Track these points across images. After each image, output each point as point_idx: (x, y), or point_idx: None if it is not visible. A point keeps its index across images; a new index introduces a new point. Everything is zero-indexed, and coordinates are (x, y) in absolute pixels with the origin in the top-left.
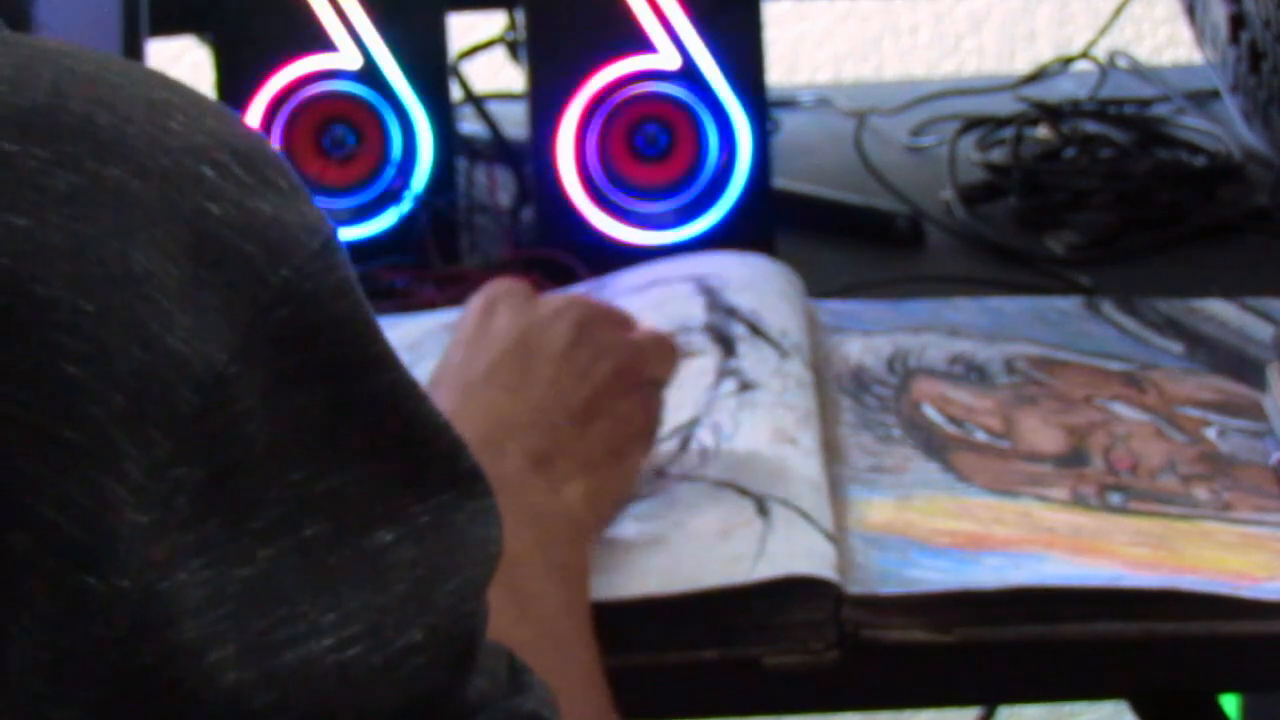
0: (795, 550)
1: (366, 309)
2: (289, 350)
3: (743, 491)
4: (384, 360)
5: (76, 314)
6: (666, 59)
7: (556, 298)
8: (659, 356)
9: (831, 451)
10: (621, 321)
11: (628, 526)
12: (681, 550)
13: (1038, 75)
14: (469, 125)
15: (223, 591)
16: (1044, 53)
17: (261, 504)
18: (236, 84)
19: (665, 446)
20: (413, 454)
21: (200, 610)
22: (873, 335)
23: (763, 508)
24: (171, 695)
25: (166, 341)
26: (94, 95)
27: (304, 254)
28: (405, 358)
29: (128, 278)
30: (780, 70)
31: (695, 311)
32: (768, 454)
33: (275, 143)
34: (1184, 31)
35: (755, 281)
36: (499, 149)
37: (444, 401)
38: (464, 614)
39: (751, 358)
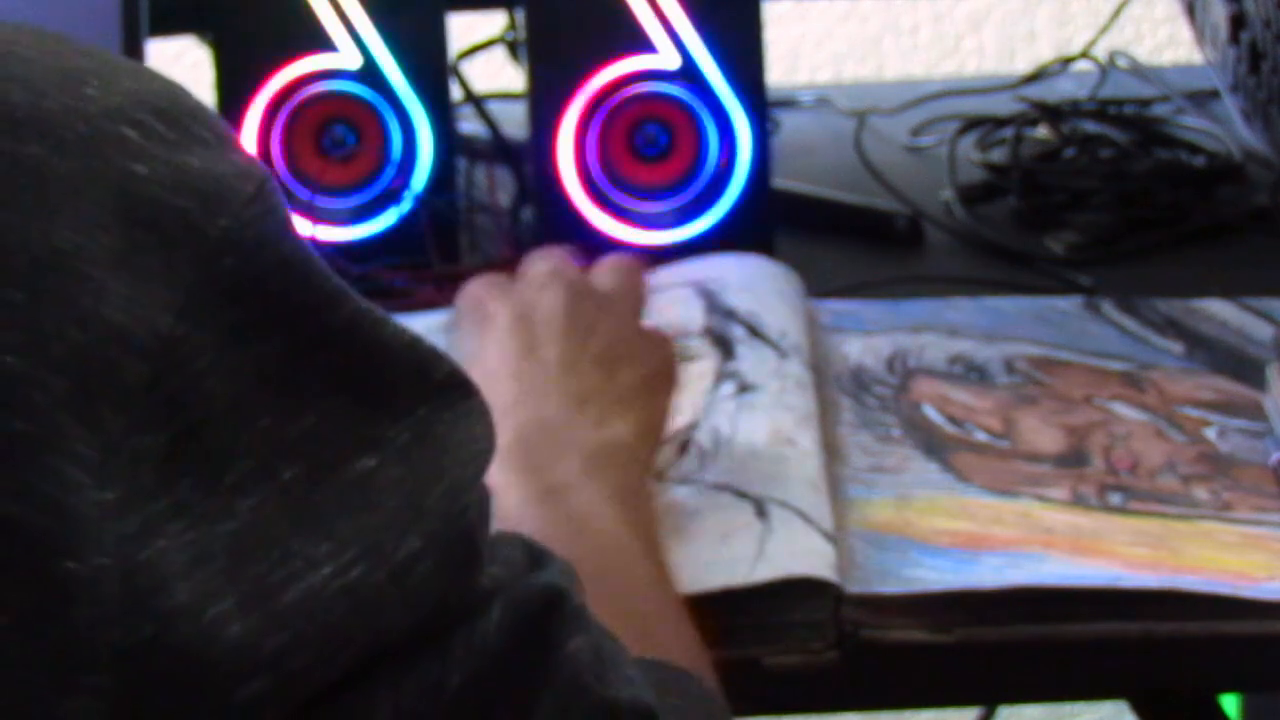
0: (794, 551)
1: (309, 247)
2: (238, 300)
3: (741, 494)
4: (336, 294)
5: (6, 305)
6: (666, 59)
7: (534, 271)
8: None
9: (831, 451)
10: (601, 282)
11: None
12: (681, 555)
13: (1038, 75)
14: (469, 125)
15: (209, 549)
16: (1044, 53)
17: (233, 458)
18: (236, 84)
19: (663, 451)
20: (380, 379)
21: (188, 571)
22: (872, 335)
23: (761, 510)
24: (179, 660)
25: (104, 315)
26: (5, 73)
27: (240, 200)
28: None
29: (54, 258)
30: (780, 70)
31: (694, 315)
32: (766, 455)
33: (275, 143)
34: (1184, 31)
35: (754, 282)
36: (499, 149)
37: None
38: (456, 513)
39: (750, 359)
